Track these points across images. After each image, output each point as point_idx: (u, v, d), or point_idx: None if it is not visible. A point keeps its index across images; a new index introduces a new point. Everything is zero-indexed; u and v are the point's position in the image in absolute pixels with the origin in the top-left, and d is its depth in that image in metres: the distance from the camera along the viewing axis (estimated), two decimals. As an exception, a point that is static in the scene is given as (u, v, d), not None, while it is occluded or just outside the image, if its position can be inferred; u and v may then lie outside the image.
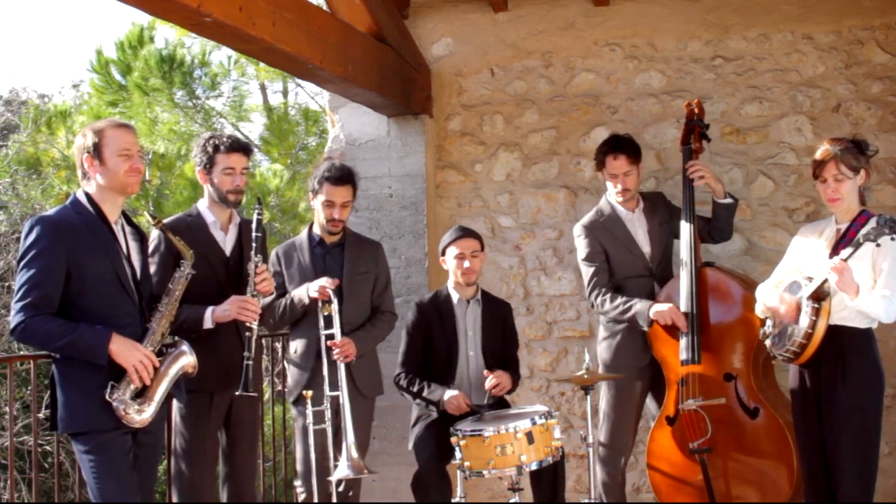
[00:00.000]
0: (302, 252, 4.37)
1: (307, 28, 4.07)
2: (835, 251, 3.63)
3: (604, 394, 4.68)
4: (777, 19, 5.22)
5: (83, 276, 3.20)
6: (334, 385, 4.03)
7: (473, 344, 4.40)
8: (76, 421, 3.20)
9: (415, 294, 5.22)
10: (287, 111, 12.52)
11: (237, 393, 3.70)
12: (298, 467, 4.27)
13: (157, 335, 3.34)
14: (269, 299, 4.01)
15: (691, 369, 4.35)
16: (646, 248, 4.62)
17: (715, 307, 4.41)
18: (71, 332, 3.14)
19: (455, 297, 4.44)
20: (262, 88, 12.83)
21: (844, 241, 3.61)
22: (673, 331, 4.40)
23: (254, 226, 3.83)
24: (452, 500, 4.00)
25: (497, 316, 4.50)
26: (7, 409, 5.91)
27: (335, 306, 4.06)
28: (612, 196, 4.63)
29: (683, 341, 4.37)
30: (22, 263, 3.19)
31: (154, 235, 3.77)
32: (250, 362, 3.70)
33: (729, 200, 4.58)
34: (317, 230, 4.41)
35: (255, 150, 11.67)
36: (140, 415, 3.23)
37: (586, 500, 4.22)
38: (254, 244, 3.80)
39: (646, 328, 4.45)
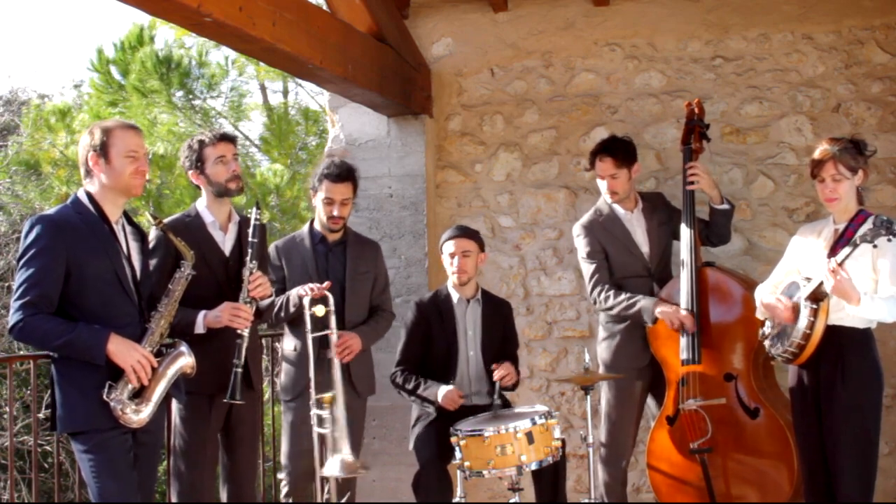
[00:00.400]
0: (303, 249, 4.37)
1: (307, 28, 4.07)
2: (832, 251, 3.63)
3: (604, 394, 4.68)
4: (777, 19, 5.22)
5: (83, 276, 3.20)
6: (326, 387, 4.02)
7: (473, 344, 4.40)
8: (75, 420, 3.20)
9: (415, 294, 5.22)
10: (287, 111, 12.52)
11: (224, 400, 3.67)
12: (284, 461, 4.28)
13: (155, 336, 3.33)
14: (268, 301, 3.99)
15: (692, 369, 4.35)
16: (644, 248, 4.62)
17: (715, 307, 4.41)
18: (69, 332, 3.14)
19: (455, 296, 4.44)
20: (262, 88, 12.84)
21: (842, 241, 3.61)
22: (673, 330, 4.40)
23: (250, 231, 3.80)
24: (452, 500, 4.00)
25: (497, 315, 4.50)
26: (7, 409, 5.91)
27: (331, 307, 4.03)
28: (602, 193, 4.64)
29: (684, 341, 4.37)
30: (21, 262, 3.19)
31: (153, 235, 3.75)
32: (239, 370, 3.66)
33: (726, 206, 4.58)
34: (318, 227, 4.41)
35: (256, 149, 11.69)
36: (138, 415, 3.22)
37: (586, 500, 4.22)
38: (250, 249, 3.78)
39: (650, 324, 4.45)
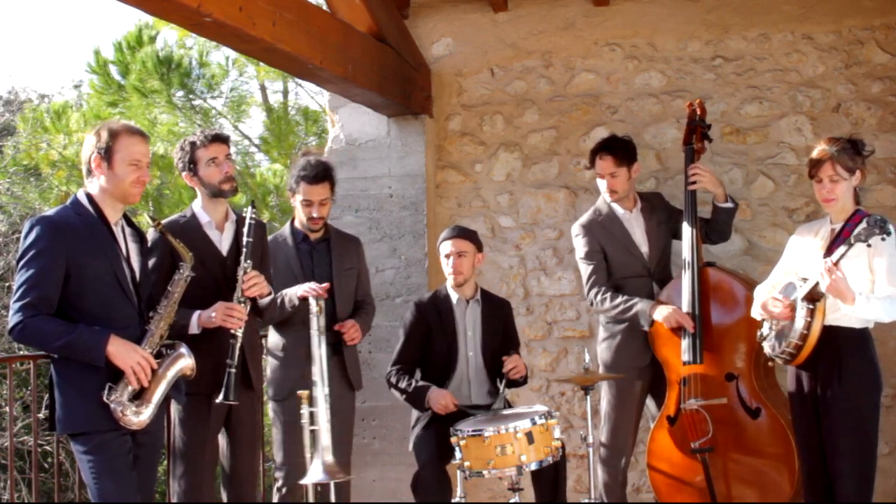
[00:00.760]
0: (287, 248, 4.38)
1: (307, 28, 4.06)
2: (829, 251, 3.63)
3: (604, 394, 4.68)
4: (777, 19, 5.22)
5: (82, 277, 3.19)
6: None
7: (473, 344, 4.40)
8: (74, 421, 3.20)
9: (415, 294, 5.21)
10: (287, 111, 12.51)
11: (217, 401, 3.66)
12: (279, 460, 4.27)
13: (155, 337, 3.32)
14: (268, 299, 3.97)
15: (693, 369, 4.35)
16: (644, 247, 4.62)
17: (717, 307, 4.41)
18: (69, 333, 3.13)
19: (454, 297, 4.43)
20: (262, 88, 12.82)
21: (838, 241, 3.62)
22: (675, 330, 4.40)
23: (245, 230, 3.79)
24: (452, 501, 4.00)
25: (497, 315, 4.49)
26: (7, 409, 5.91)
27: (321, 305, 4.02)
28: (602, 193, 4.64)
29: (685, 341, 4.37)
30: (21, 263, 3.18)
31: (150, 236, 3.72)
32: (233, 370, 3.65)
33: (729, 205, 4.58)
34: (299, 226, 4.41)
35: (256, 149, 11.68)
36: (138, 416, 3.21)
37: (586, 500, 4.22)
38: (244, 249, 3.77)
39: (647, 328, 4.45)
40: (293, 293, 4.14)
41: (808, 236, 3.87)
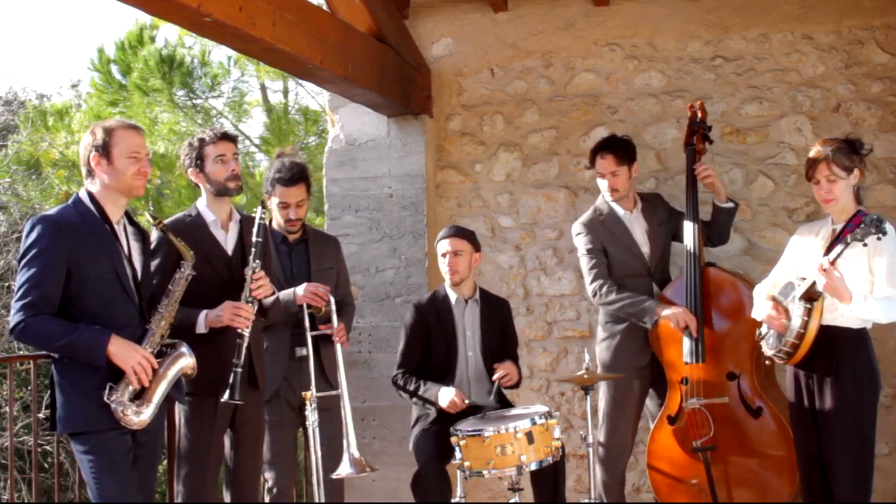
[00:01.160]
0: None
1: (307, 28, 4.06)
2: (829, 251, 3.64)
3: (603, 394, 4.68)
4: (777, 19, 5.22)
5: (83, 277, 3.19)
6: (302, 385, 4.03)
7: (472, 344, 4.40)
8: (75, 421, 3.20)
9: (415, 294, 5.22)
10: (287, 111, 12.52)
11: (222, 400, 3.65)
12: (268, 460, 4.26)
13: (156, 337, 3.32)
14: (271, 299, 3.98)
15: (695, 369, 4.35)
16: (644, 248, 4.62)
17: (718, 307, 4.42)
18: (70, 333, 3.14)
19: (453, 297, 4.44)
20: (262, 88, 12.83)
21: (838, 241, 3.62)
22: (678, 330, 4.40)
23: (255, 230, 3.79)
24: (452, 500, 4.00)
25: (496, 315, 4.49)
26: (7, 409, 5.91)
27: (332, 305, 4.07)
28: (603, 192, 4.64)
29: (687, 341, 4.37)
30: (22, 262, 3.19)
31: (155, 236, 3.73)
32: (239, 369, 3.64)
33: (730, 205, 4.60)
34: (276, 227, 4.40)
35: (256, 149, 11.69)
36: (138, 416, 3.22)
37: (586, 500, 4.23)
38: (253, 249, 3.77)
39: (650, 326, 4.45)
40: (288, 296, 4.13)
41: (808, 236, 3.88)
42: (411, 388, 4.32)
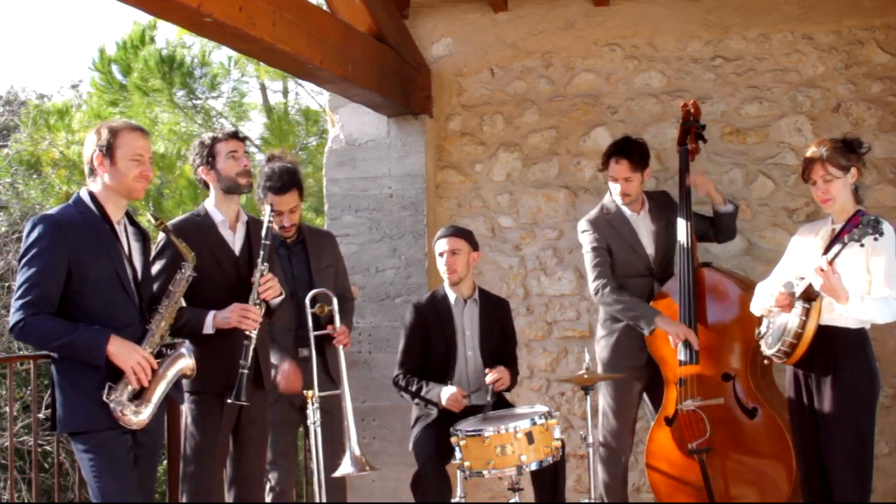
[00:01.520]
0: None
1: (307, 28, 4.06)
2: (827, 251, 3.64)
3: (602, 393, 4.68)
4: (777, 19, 5.22)
5: (84, 276, 3.20)
6: (309, 384, 4.03)
7: (472, 343, 4.40)
8: (75, 420, 3.20)
9: (415, 294, 5.22)
10: (287, 111, 12.52)
11: (229, 401, 3.66)
12: (271, 460, 4.26)
13: (156, 337, 3.33)
14: (278, 300, 3.98)
15: (690, 369, 4.36)
16: (649, 249, 4.62)
17: (713, 307, 4.42)
18: (69, 332, 3.14)
19: (452, 296, 4.44)
20: (262, 88, 12.83)
21: (837, 241, 3.62)
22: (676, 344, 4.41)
23: (263, 233, 3.79)
24: (452, 500, 4.00)
25: (495, 315, 4.49)
26: (7, 409, 5.91)
27: (335, 305, 4.07)
28: (614, 194, 4.63)
29: (682, 341, 4.37)
30: (23, 262, 3.19)
31: (161, 237, 3.73)
32: (246, 371, 3.65)
33: (730, 208, 4.60)
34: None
35: (256, 149, 11.68)
36: (137, 416, 3.21)
37: (586, 500, 4.23)
38: (262, 252, 3.77)
39: (646, 333, 4.45)
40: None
41: (808, 236, 3.88)
42: (413, 388, 4.32)
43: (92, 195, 3.31)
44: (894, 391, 5.02)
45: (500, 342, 4.45)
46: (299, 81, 12.07)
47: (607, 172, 4.60)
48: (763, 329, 3.90)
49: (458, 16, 5.59)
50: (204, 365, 3.47)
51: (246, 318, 3.68)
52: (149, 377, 3.24)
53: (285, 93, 13.18)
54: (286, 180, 4.30)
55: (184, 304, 3.57)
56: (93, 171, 3.32)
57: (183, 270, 3.47)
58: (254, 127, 12.64)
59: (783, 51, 5.22)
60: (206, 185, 3.95)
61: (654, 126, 5.35)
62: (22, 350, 8.94)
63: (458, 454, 3.84)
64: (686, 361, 4.35)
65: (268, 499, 4.29)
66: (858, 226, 3.46)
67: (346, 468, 3.84)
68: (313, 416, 3.92)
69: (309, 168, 10.80)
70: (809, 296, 3.63)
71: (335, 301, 4.07)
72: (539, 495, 4.14)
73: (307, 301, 4.00)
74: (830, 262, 3.50)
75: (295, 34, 3.95)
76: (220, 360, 3.65)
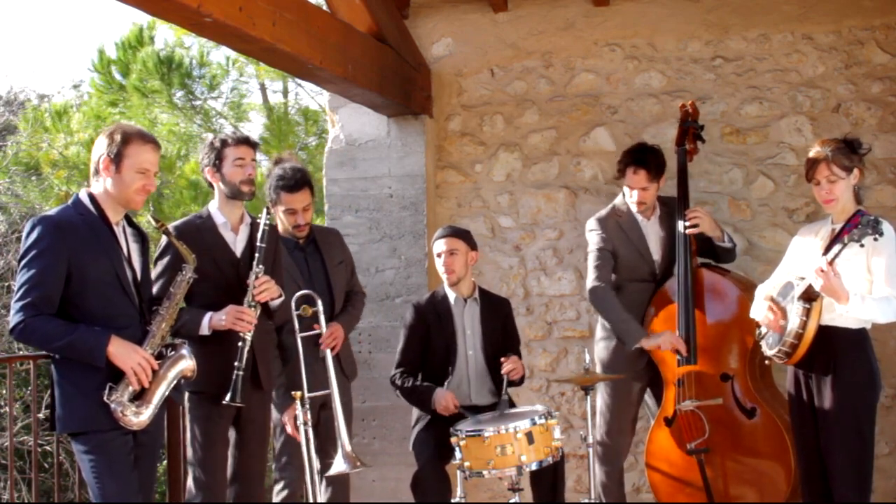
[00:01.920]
0: (284, 260, 4.36)
1: (307, 28, 4.06)
2: (827, 251, 3.64)
3: (601, 393, 4.68)
4: (777, 19, 5.22)
5: (84, 277, 3.20)
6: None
7: (472, 343, 4.40)
8: (75, 421, 3.20)
9: (415, 294, 5.22)
10: (287, 111, 12.51)
11: (224, 402, 3.66)
12: (278, 461, 4.28)
13: (156, 338, 3.33)
14: (279, 301, 3.97)
15: (688, 370, 4.36)
16: (656, 255, 4.60)
17: (711, 308, 4.42)
18: (70, 333, 3.14)
19: (452, 296, 4.44)
20: (262, 88, 12.83)
21: (837, 241, 3.63)
22: (671, 328, 4.40)
23: (259, 235, 3.80)
24: (452, 501, 4.00)
25: (495, 314, 4.49)
26: (7, 409, 5.91)
27: (319, 306, 4.03)
28: (629, 200, 4.60)
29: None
30: (23, 263, 3.19)
31: (164, 238, 3.74)
32: (241, 372, 3.66)
33: (728, 245, 4.56)
34: (285, 234, 4.37)
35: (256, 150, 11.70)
36: (138, 417, 3.22)
37: (586, 500, 4.23)
38: (257, 254, 3.78)
39: (628, 349, 4.43)
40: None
41: (809, 236, 3.89)
42: (407, 387, 4.31)
43: (91, 196, 3.31)
44: (894, 391, 5.02)
45: (502, 341, 4.45)
46: (299, 81, 12.07)
47: (623, 180, 4.56)
48: (764, 330, 3.90)
49: (458, 16, 5.59)
50: (200, 366, 3.46)
51: (240, 319, 3.69)
52: (149, 378, 3.24)
53: (285, 93, 13.18)
54: (299, 178, 4.32)
55: (184, 305, 3.57)
56: (97, 172, 3.32)
57: (183, 272, 3.47)
58: (253, 127, 12.63)
59: (783, 51, 5.23)
60: (212, 185, 3.96)
61: (654, 126, 5.35)
62: (22, 350, 8.93)
63: (458, 454, 3.84)
64: (684, 361, 4.35)
65: (277, 499, 4.30)
66: (858, 226, 3.46)
67: (339, 466, 3.82)
68: (301, 416, 3.92)
69: (309, 168, 10.79)
70: (810, 296, 3.63)
71: (319, 302, 4.03)
72: (539, 495, 4.14)
73: (292, 303, 3.99)
74: (830, 263, 3.50)
75: (295, 34, 3.95)
76: (217, 361, 3.65)
